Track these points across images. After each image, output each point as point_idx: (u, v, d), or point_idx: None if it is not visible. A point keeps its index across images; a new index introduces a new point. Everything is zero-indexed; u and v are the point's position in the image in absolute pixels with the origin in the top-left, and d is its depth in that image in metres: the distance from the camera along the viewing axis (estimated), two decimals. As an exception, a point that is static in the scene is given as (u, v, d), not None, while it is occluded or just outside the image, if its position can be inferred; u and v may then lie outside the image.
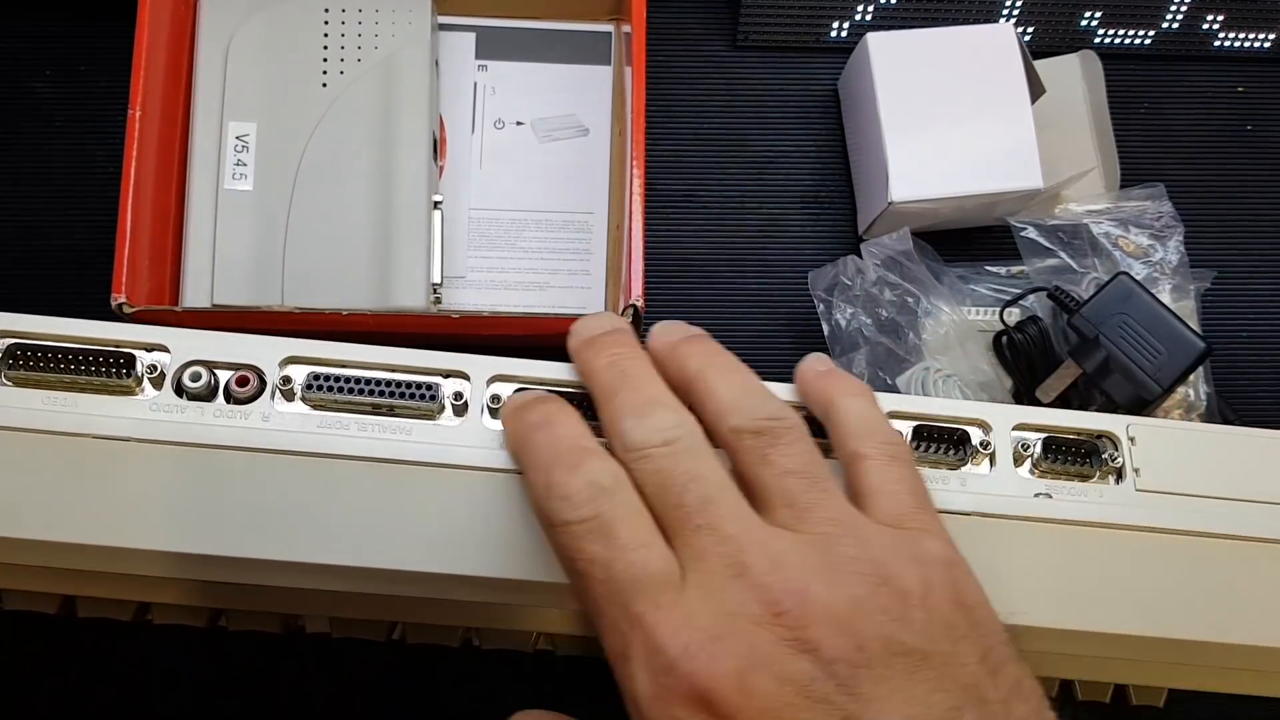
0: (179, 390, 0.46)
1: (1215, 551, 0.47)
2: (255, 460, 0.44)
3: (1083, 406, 0.66)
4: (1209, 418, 0.69)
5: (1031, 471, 0.49)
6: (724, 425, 0.43)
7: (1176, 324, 0.64)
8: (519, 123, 0.74)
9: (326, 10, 0.71)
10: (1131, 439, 0.49)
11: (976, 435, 0.50)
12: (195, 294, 0.67)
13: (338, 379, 0.47)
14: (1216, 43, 0.78)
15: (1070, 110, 0.75)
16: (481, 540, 0.44)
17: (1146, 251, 0.70)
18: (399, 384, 0.47)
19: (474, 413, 0.47)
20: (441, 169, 0.73)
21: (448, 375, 0.48)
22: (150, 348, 0.47)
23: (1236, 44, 0.78)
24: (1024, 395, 0.68)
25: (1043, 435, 0.50)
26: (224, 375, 0.47)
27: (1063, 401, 0.66)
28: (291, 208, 0.68)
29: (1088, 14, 0.76)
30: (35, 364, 0.46)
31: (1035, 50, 0.75)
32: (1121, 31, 0.77)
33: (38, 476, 0.44)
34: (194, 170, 0.69)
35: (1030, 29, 0.76)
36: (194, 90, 0.70)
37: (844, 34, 0.77)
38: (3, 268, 0.71)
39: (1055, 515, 0.47)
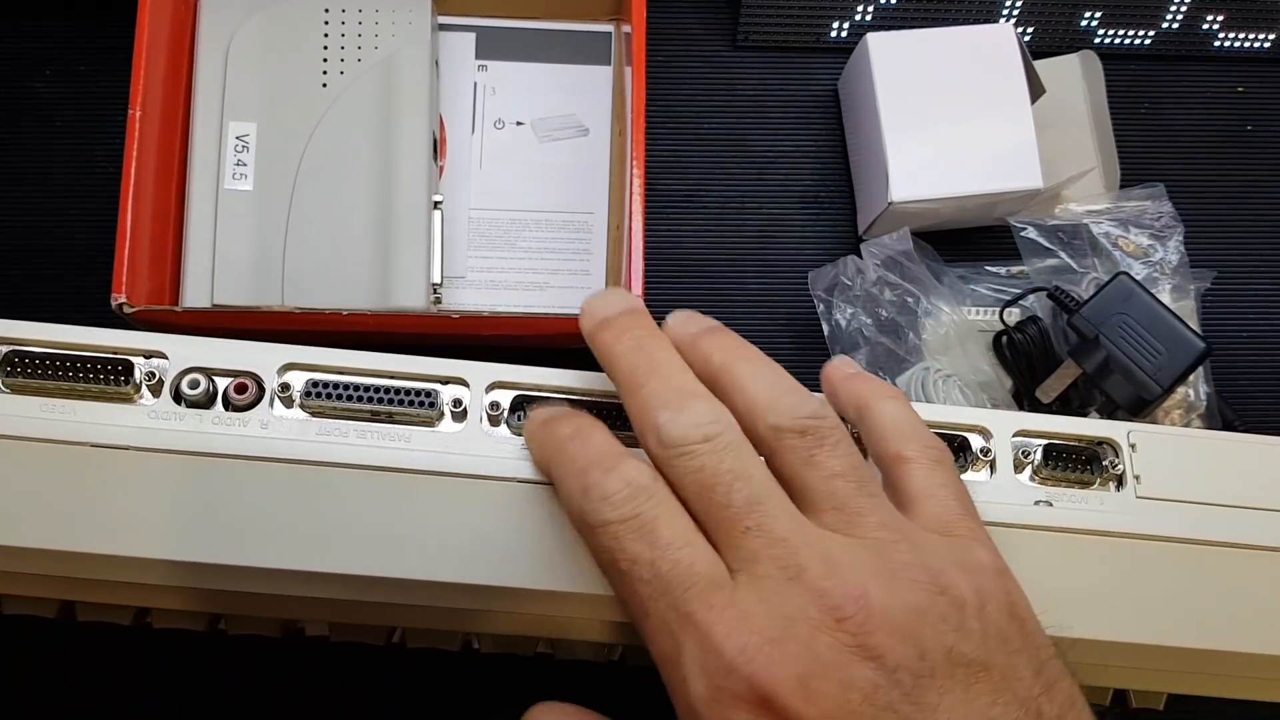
0: (177, 397, 0.46)
1: (1216, 559, 0.47)
2: (254, 468, 0.44)
3: (1083, 406, 0.66)
4: (1209, 418, 0.69)
5: (1032, 478, 0.49)
6: (762, 423, 0.42)
7: (1176, 324, 0.64)
8: (519, 123, 0.74)
9: (326, 10, 0.71)
10: (1132, 446, 0.49)
11: (977, 442, 0.50)
12: (195, 294, 0.67)
13: (336, 386, 0.47)
14: (1216, 43, 0.78)
15: (1070, 110, 0.75)
16: (480, 548, 0.44)
17: (1146, 251, 0.70)
18: (398, 391, 0.47)
19: (473, 419, 0.47)
20: (441, 169, 0.73)
21: (447, 382, 0.48)
22: (149, 354, 0.47)
23: (1236, 44, 0.78)
24: (1024, 395, 0.68)
25: (1043, 442, 0.50)
26: (222, 382, 0.47)
27: (1063, 401, 0.66)
28: (291, 208, 0.68)
29: (1088, 14, 0.76)
30: (33, 371, 0.46)
31: (1035, 50, 0.75)
32: (1121, 31, 0.77)
33: (36, 485, 0.43)
34: (194, 170, 0.68)
35: (1030, 29, 0.76)
36: (194, 90, 0.70)
37: (844, 34, 0.77)
38: (3, 268, 0.71)
39: (1056, 523, 0.47)
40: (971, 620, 0.39)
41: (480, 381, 0.47)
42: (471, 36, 0.75)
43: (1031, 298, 0.69)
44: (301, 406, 0.47)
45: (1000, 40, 0.70)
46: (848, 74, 0.75)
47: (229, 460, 0.44)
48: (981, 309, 0.70)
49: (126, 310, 0.60)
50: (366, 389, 0.47)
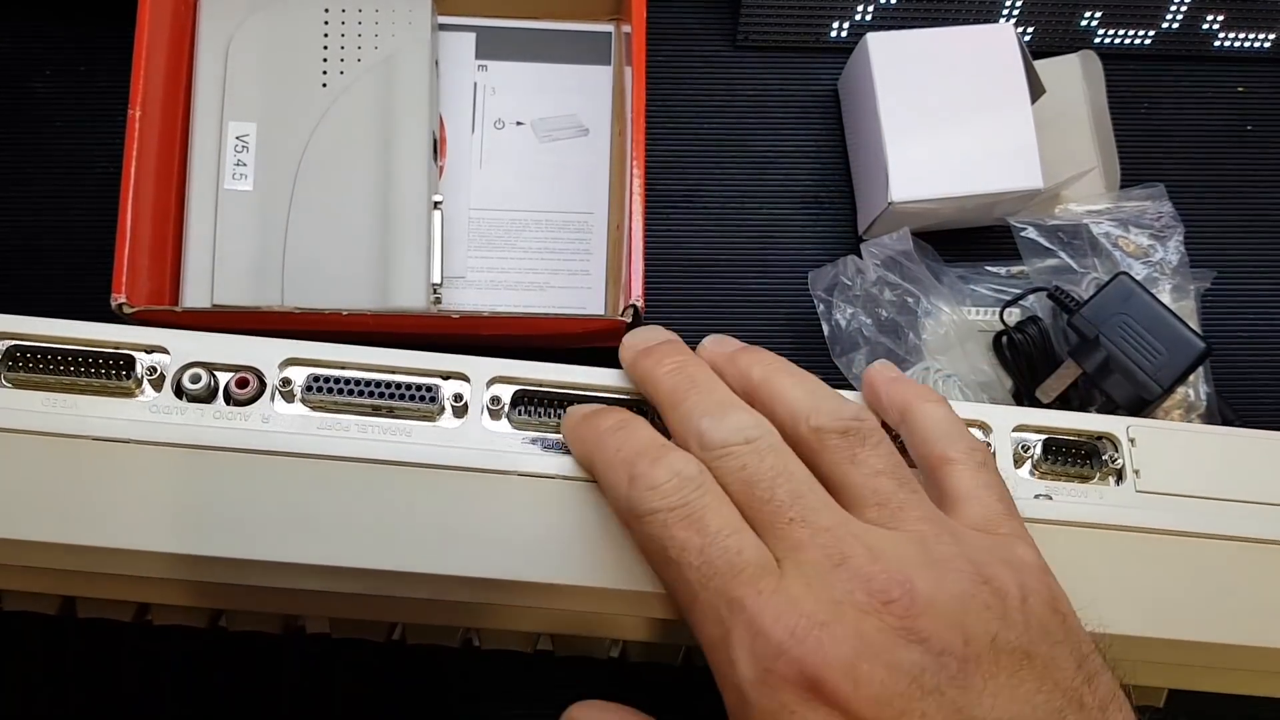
0: (179, 392, 0.46)
1: (1215, 553, 0.47)
2: (255, 462, 0.44)
3: (1083, 407, 0.66)
4: (1209, 418, 0.69)
5: (1032, 473, 0.49)
6: (804, 426, 0.43)
7: (1176, 324, 0.64)
8: (519, 123, 0.74)
9: (326, 10, 0.71)
10: (1132, 440, 0.49)
11: (977, 436, 0.50)
12: (195, 294, 0.67)
13: (337, 380, 0.47)
14: (1216, 43, 0.78)
15: (1070, 110, 0.75)
16: (481, 541, 0.44)
17: (1146, 251, 0.70)
18: (399, 385, 0.47)
19: (474, 414, 0.47)
20: (441, 169, 0.73)
21: (447, 377, 0.48)
22: (150, 349, 0.47)
23: (1236, 44, 0.78)
24: (1024, 395, 0.68)
25: (1043, 436, 0.50)
26: (224, 377, 0.47)
27: (1063, 401, 0.66)
28: (291, 208, 0.68)
29: (1088, 14, 0.76)
30: (35, 366, 0.47)
31: (1035, 50, 0.75)
32: (1121, 31, 0.77)
33: (38, 478, 0.44)
34: (194, 170, 0.68)
35: (1030, 29, 0.76)
36: (194, 90, 0.70)
37: (844, 34, 0.77)
38: (3, 267, 0.71)
39: (1055, 516, 0.47)
40: (1014, 610, 0.39)
41: (481, 376, 0.48)
42: (471, 36, 0.75)
43: (1031, 298, 0.69)
44: (303, 401, 0.47)
45: (1000, 40, 0.70)
46: (848, 74, 0.75)
47: (230, 454, 0.45)
48: (981, 309, 0.70)
49: (126, 310, 0.60)
50: (367, 384, 0.47)
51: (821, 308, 0.69)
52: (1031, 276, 0.70)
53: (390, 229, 0.68)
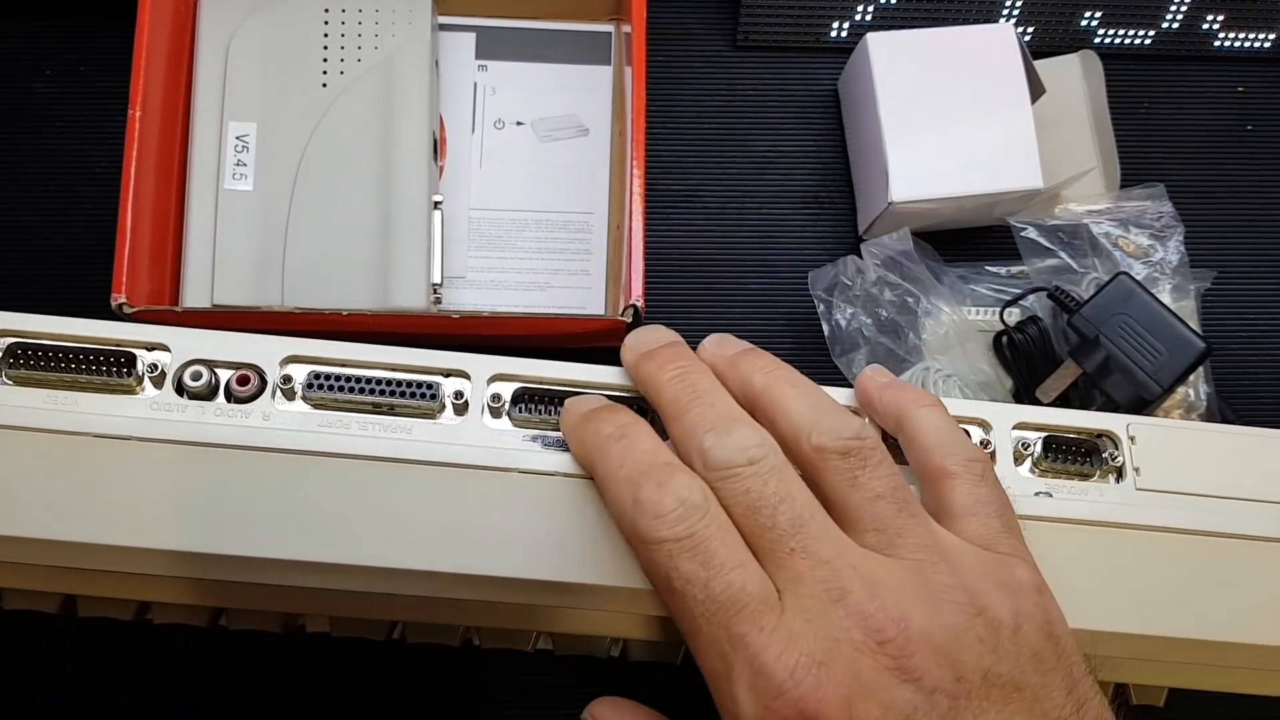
0: (180, 389, 0.46)
1: (1215, 550, 0.47)
2: (255, 459, 0.44)
3: (1083, 406, 0.66)
4: (1209, 418, 0.69)
5: (1032, 470, 0.49)
6: (805, 444, 0.43)
7: (1176, 324, 0.64)
8: (519, 123, 0.74)
9: (326, 10, 0.71)
10: (1132, 438, 0.49)
11: (977, 434, 0.50)
12: (195, 294, 0.67)
13: (338, 378, 0.47)
14: (1216, 43, 0.78)
15: (1070, 110, 0.75)
16: (482, 538, 0.44)
17: (1146, 251, 0.70)
18: (399, 383, 0.47)
19: (474, 412, 0.47)
20: (441, 169, 0.73)
21: (448, 374, 0.48)
22: (151, 347, 0.47)
23: (1236, 44, 0.78)
24: (1024, 395, 0.68)
25: (1043, 434, 0.50)
26: (224, 374, 0.47)
27: (1063, 401, 0.66)
28: (291, 208, 0.68)
29: (1088, 14, 0.76)
30: (36, 363, 0.47)
31: (1035, 50, 0.75)
32: (1121, 31, 0.77)
33: (38, 475, 0.44)
34: (194, 170, 0.68)
35: (1030, 29, 0.76)
36: (194, 90, 0.70)
37: (844, 34, 0.77)
38: (3, 267, 0.71)
39: (1056, 514, 0.47)
40: (1007, 641, 0.40)
41: (482, 374, 0.48)
42: (471, 36, 0.75)
43: (1031, 298, 0.69)
44: (303, 398, 0.47)
45: (1000, 40, 0.70)
46: (848, 74, 0.75)
47: (231, 451, 0.45)
48: (981, 309, 0.70)
49: (126, 310, 0.60)
50: (368, 381, 0.47)
51: (821, 308, 0.69)
52: (1031, 276, 0.70)
53: (390, 229, 0.68)
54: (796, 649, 0.38)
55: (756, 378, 0.45)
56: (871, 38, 0.70)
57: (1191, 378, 0.66)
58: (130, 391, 0.46)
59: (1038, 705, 0.39)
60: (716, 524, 0.41)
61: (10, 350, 0.46)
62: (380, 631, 0.49)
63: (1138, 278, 0.66)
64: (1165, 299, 0.68)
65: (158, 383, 0.46)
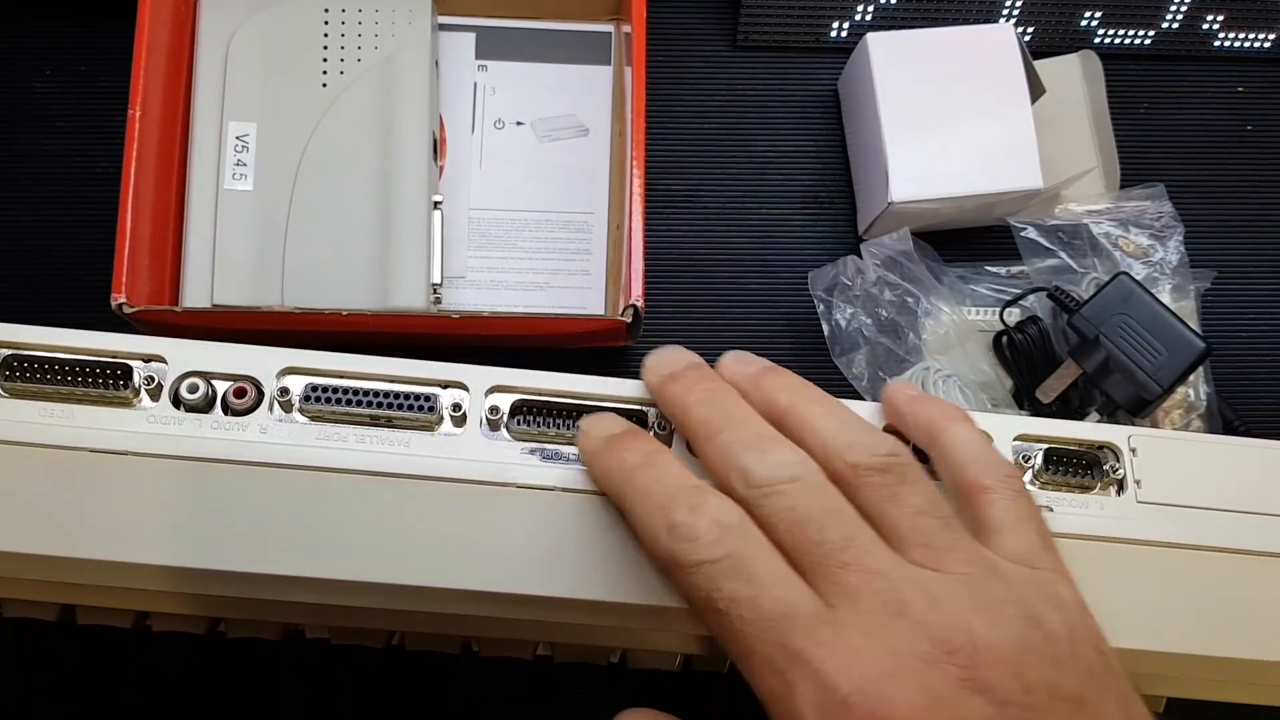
0: (176, 402, 0.46)
1: (1217, 564, 0.47)
2: (252, 473, 0.44)
3: (1083, 406, 0.66)
4: (1209, 418, 0.69)
5: (1033, 483, 0.49)
6: (840, 461, 0.42)
7: (1176, 324, 0.64)
8: (519, 123, 0.74)
9: (326, 10, 0.71)
10: (1133, 450, 0.49)
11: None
12: (195, 294, 0.67)
13: (336, 390, 0.47)
14: (1216, 43, 0.78)
15: (1070, 110, 0.75)
16: (480, 554, 0.44)
17: (1146, 251, 0.70)
18: (397, 395, 0.47)
19: (472, 424, 0.47)
20: (441, 169, 0.73)
21: (446, 386, 0.47)
22: (148, 358, 0.47)
23: (1236, 44, 0.78)
24: (1024, 395, 0.68)
25: (1044, 446, 0.50)
26: (221, 386, 0.46)
27: (1063, 401, 0.66)
28: (291, 208, 0.68)
29: (1088, 14, 0.76)
30: (32, 375, 0.46)
31: (1035, 50, 0.75)
32: (1121, 31, 0.77)
33: (34, 490, 0.43)
34: (194, 170, 0.69)
35: (1030, 29, 0.76)
36: (194, 90, 0.70)
37: (844, 34, 0.77)
38: (2, 268, 0.71)
39: (1057, 528, 0.46)
40: (1065, 655, 0.39)
41: (480, 385, 0.47)
42: (471, 36, 0.75)
43: (1031, 298, 0.69)
44: (301, 411, 0.46)
45: (1000, 40, 0.70)
46: (848, 74, 0.75)
47: (228, 465, 0.44)
48: (981, 309, 0.70)
49: (126, 310, 0.60)
50: (366, 393, 0.47)
51: (821, 308, 0.69)
52: (1031, 276, 0.70)
53: (390, 229, 0.68)
54: (860, 662, 0.37)
55: (781, 396, 0.44)
56: (871, 38, 0.70)
57: (1191, 378, 0.66)
58: (127, 404, 0.46)
59: (1098, 718, 0.38)
60: (755, 543, 0.40)
61: (6, 362, 0.46)
62: (379, 639, 0.49)
63: (1138, 278, 0.66)
64: (1165, 299, 0.68)
65: (154, 395, 0.46)
